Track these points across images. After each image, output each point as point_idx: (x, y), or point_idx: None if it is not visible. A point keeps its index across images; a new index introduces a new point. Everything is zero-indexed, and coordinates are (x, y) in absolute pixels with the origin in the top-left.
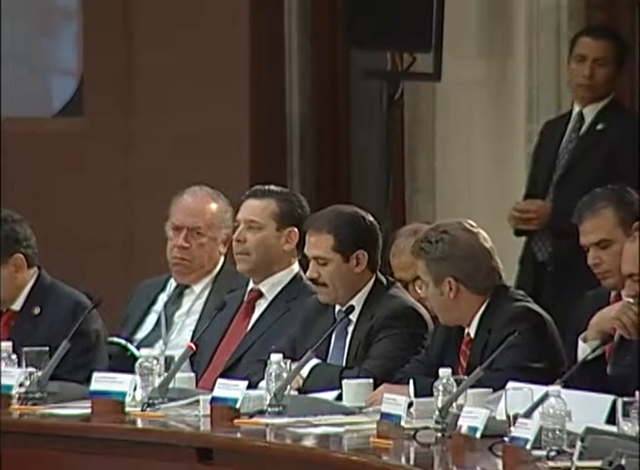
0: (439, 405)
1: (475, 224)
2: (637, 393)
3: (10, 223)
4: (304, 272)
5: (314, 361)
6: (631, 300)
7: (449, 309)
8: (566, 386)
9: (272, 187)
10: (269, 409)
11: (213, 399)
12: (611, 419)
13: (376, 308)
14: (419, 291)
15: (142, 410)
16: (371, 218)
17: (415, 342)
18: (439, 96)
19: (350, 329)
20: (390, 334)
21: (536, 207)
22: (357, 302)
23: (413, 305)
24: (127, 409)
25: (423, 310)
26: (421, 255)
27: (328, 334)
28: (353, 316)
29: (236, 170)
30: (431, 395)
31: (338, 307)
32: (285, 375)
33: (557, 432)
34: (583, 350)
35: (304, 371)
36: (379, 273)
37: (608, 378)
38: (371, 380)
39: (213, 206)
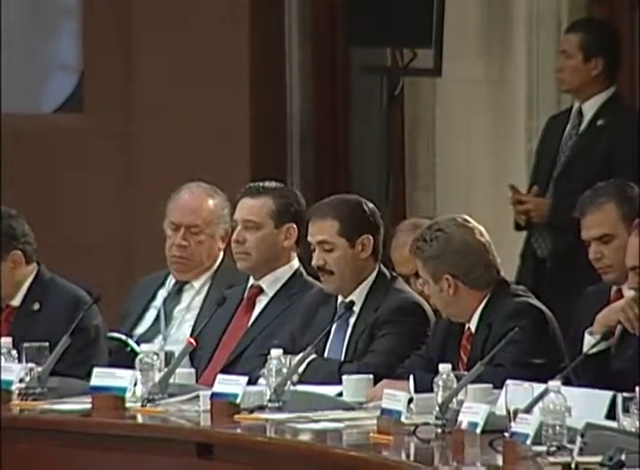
0: (440, 401)
1: (470, 219)
2: (637, 388)
3: (7, 220)
4: (304, 267)
5: (312, 356)
6: (634, 292)
7: (450, 305)
8: (566, 382)
9: (267, 184)
10: (269, 405)
11: (213, 395)
12: (611, 415)
13: (380, 301)
14: (422, 288)
15: (142, 406)
16: (372, 206)
17: (418, 338)
18: (440, 93)
19: (352, 321)
20: (395, 330)
21: (535, 202)
22: (360, 293)
23: (418, 301)
24: (127, 405)
25: (427, 306)
26: (417, 253)
27: (329, 327)
28: (356, 308)
29: (237, 168)
30: (431, 390)
31: (340, 299)
32: (285, 370)
33: (557, 427)
34: (589, 343)
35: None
36: (382, 266)
37: (611, 372)
38: (371, 376)
39: (210, 202)
